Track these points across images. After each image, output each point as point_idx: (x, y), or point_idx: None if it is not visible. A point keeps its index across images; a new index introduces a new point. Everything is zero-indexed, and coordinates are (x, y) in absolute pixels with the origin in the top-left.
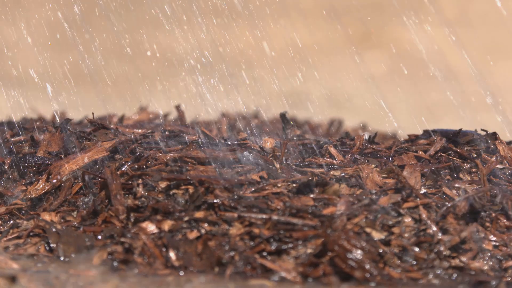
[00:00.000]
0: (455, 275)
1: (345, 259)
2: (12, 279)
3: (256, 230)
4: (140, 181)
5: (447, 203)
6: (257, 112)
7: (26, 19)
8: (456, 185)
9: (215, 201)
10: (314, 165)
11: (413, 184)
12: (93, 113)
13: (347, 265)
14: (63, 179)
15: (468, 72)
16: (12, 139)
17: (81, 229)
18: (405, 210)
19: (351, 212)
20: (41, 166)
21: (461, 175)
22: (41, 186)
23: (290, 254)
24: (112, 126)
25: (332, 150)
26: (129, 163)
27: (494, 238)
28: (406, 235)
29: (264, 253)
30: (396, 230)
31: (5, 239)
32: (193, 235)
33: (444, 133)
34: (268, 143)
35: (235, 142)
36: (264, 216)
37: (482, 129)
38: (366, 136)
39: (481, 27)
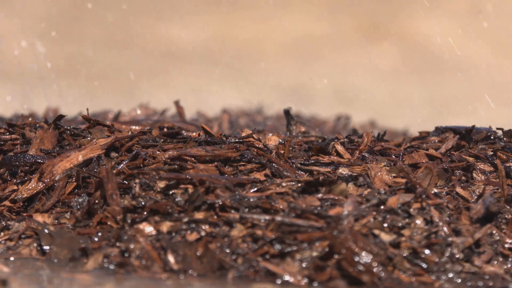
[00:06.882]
0: (468, 280)
1: (352, 262)
2: (3, 282)
3: (259, 232)
4: (137, 180)
5: (460, 204)
6: (260, 108)
7: (18, 11)
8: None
9: (216, 201)
10: (320, 163)
11: (424, 183)
12: (87, 109)
13: (354, 268)
14: (56, 179)
15: (483, 65)
16: (2, 137)
17: (75, 231)
18: (416, 211)
19: (359, 213)
20: (33, 164)
21: (474, 175)
22: (33, 186)
23: (295, 257)
24: (107, 122)
25: (339, 147)
26: (126, 162)
27: (510, 241)
28: (417, 237)
29: (268, 256)
30: (406, 232)
31: None
32: (193, 237)
33: (456, 130)
34: (272, 140)
35: (237, 140)
36: (267, 217)
37: (498, 128)
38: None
39: (497, 18)
